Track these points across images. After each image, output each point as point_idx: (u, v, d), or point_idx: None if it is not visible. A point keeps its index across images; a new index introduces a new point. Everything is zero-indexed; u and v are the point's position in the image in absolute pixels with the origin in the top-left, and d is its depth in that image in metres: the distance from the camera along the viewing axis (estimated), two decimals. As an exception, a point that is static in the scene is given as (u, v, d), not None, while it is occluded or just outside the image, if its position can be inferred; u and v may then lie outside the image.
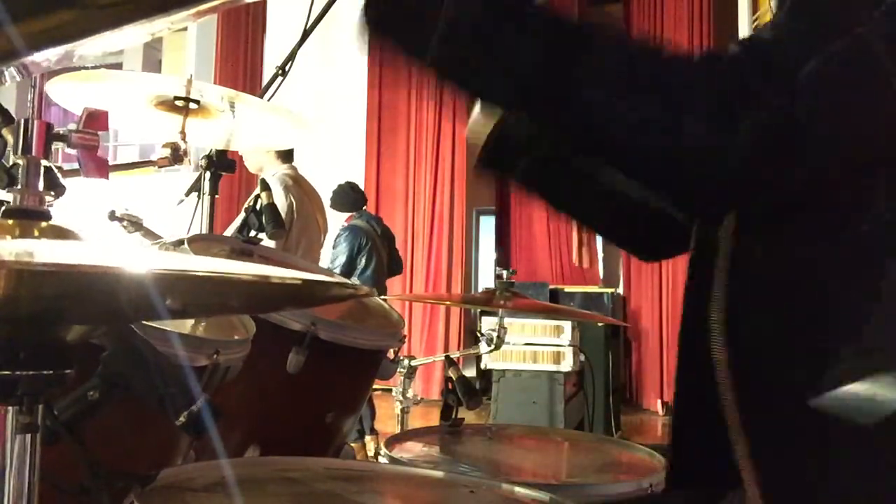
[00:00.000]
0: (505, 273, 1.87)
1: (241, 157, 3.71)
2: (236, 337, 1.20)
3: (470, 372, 5.98)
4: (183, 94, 1.61)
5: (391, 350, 1.64)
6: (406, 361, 1.78)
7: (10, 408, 0.59)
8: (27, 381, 0.57)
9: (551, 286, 6.79)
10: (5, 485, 0.59)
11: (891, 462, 0.72)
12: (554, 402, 4.86)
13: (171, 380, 0.71)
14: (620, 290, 7.85)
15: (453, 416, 1.64)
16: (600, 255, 8.63)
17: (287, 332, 1.36)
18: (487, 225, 9.57)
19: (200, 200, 1.98)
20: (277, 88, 1.97)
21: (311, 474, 1.01)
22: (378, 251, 5.00)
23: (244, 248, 1.61)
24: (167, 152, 1.58)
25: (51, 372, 0.58)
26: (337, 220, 4.93)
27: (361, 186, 5.72)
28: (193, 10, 0.54)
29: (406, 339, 1.62)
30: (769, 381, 0.77)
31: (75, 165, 0.69)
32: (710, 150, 0.69)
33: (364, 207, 5.22)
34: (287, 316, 1.36)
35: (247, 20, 7.90)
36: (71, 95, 1.49)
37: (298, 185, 3.72)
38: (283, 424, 1.43)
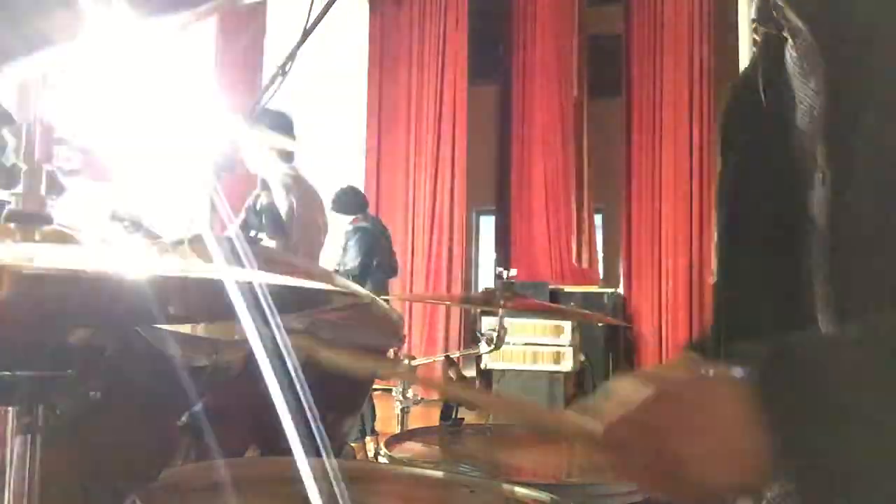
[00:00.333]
0: (505, 273, 1.88)
1: (241, 157, 3.71)
2: (236, 337, 1.20)
3: (470, 372, 5.98)
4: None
5: (391, 350, 1.64)
6: (406, 361, 1.78)
7: (10, 408, 0.59)
8: (27, 382, 0.58)
9: (551, 286, 6.79)
10: (5, 485, 0.59)
11: None
12: (554, 402, 4.87)
13: (171, 380, 0.71)
14: (620, 290, 7.85)
15: (453, 416, 1.64)
16: (600, 255, 8.63)
17: (287, 332, 1.36)
18: (487, 225, 9.58)
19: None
20: (277, 88, 1.97)
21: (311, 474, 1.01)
22: (384, 253, 5.08)
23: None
24: (168, 153, 1.58)
25: (51, 373, 0.58)
26: (337, 222, 4.95)
27: (362, 186, 5.77)
28: (195, 12, 0.55)
29: (406, 339, 1.63)
30: None
31: (76, 166, 0.69)
32: None
33: (366, 210, 5.29)
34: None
35: (247, 20, 7.90)
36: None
37: (299, 185, 3.72)
38: (284, 424, 1.43)
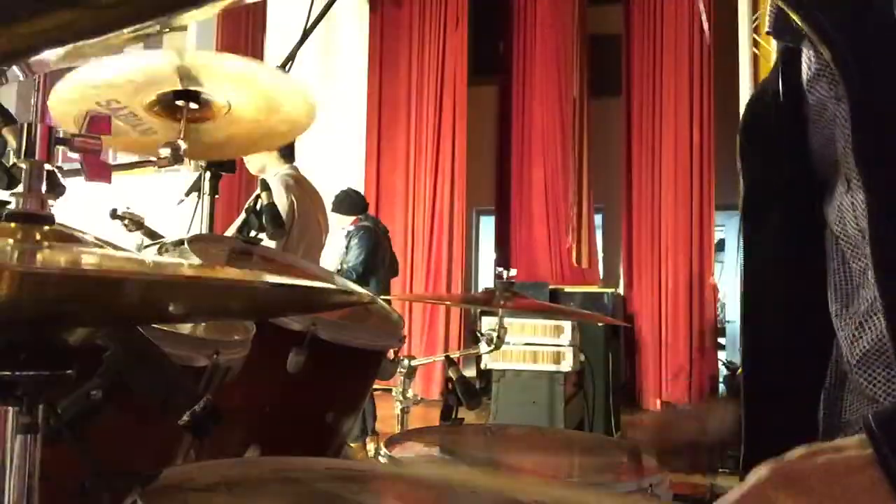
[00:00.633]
0: (505, 273, 1.87)
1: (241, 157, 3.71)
2: (236, 337, 1.20)
3: (470, 372, 5.98)
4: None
5: (391, 350, 1.64)
6: (406, 361, 1.78)
7: (10, 408, 0.59)
8: (28, 381, 0.58)
9: (551, 286, 6.79)
10: (5, 485, 0.59)
11: None
12: (554, 402, 4.87)
13: (172, 380, 0.71)
14: (620, 290, 7.85)
15: (453, 416, 1.64)
16: (600, 255, 8.64)
17: (287, 333, 1.36)
18: (487, 225, 9.58)
19: (201, 200, 1.98)
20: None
21: (312, 474, 1.01)
22: (385, 252, 5.11)
23: (244, 249, 1.61)
24: (167, 152, 1.58)
25: (51, 373, 0.58)
26: (337, 222, 4.95)
27: (362, 186, 5.79)
28: (195, 11, 0.55)
29: (406, 339, 1.62)
30: None
31: (76, 165, 0.69)
32: None
33: (366, 212, 5.31)
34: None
35: (247, 20, 7.90)
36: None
37: (299, 185, 3.72)
38: (283, 424, 1.44)
